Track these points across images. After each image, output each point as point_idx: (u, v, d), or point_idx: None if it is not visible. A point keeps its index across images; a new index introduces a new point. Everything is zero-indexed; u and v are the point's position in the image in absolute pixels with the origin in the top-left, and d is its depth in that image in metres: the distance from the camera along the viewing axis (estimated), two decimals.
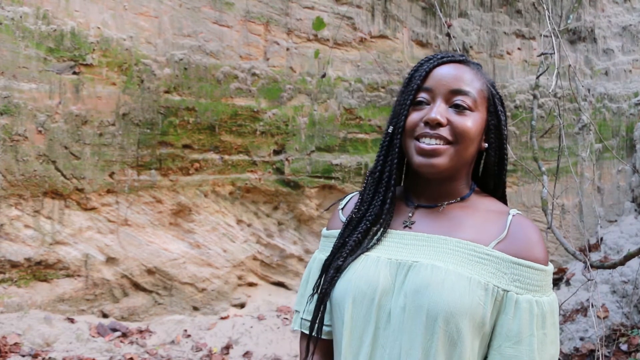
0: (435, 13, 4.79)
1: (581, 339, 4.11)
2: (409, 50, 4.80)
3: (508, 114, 5.00)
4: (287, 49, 4.38)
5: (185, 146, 4.09)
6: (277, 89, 4.33)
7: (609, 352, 3.76)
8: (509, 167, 5.00)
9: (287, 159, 4.39)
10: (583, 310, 4.26)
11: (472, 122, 1.12)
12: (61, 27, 3.71)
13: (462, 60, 1.18)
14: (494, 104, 1.18)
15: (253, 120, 4.25)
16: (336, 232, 1.21)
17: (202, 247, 4.27)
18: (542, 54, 3.45)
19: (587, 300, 4.11)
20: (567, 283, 4.76)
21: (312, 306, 1.18)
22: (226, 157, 4.23)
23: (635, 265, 4.14)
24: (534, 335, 1.05)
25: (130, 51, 3.88)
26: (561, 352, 4.08)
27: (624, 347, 3.86)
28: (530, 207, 5.17)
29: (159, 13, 3.99)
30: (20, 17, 3.61)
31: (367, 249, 1.13)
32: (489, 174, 1.22)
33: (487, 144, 1.18)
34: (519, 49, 5.22)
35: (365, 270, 1.10)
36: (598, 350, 3.21)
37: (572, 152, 5.07)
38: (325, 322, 1.16)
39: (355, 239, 1.14)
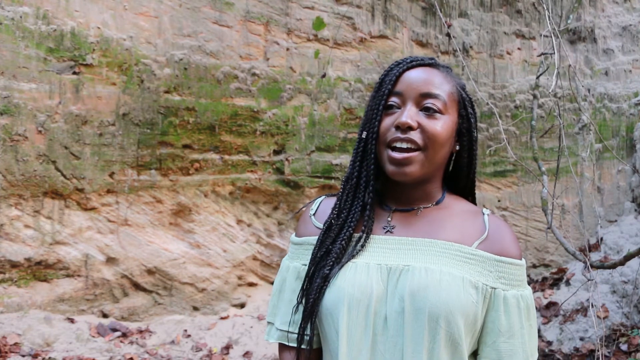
0: (435, 13, 4.79)
1: (581, 339, 4.11)
2: (409, 50, 4.80)
3: (508, 114, 5.01)
4: (287, 49, 4.38)
5: (185, 146, 4.09)
6: (277, 89, 4.33)
7: (609, 352, 3.76)
8: (509, 167, 5.03)
9: (287, 159, 4.39)
10: (583, 310, 4.26)
11: (442, 125, 1.13)
12: (61, 27, 3.71)
13: (432, 63, 1.19)
14: (464, 107, 1.19)
15: (253, 120, 4.25)
16: (309, 239, 1.20)
17: (202, 247, 4.27)
18: (542, 54, 3.45)
19: (587, 300, 4.11)
20: (567, 283, 4.76)
21: (297, 317, 1.16)
22: (226, 157, 4.23)
23: (635, 265, 4.14)
24: (524, 327, 1.10)
25: (130, 51, 3.89)
26: (561, 352, 4.08)
27: (624, 347, 3.86)
28: (530, 207, 5.17)
29: (159, 13, 3.99)
30: (20, 17, 3.61)
31: (353, 256, 1.13)
32: (460, 175, 1.24)
33: (459, 147, 1.20)
34: (519, 49, 5.22)
35: (357, 278, 1.09)
36: (598, 350, 3.21)
37: (572, 152, 5.07)
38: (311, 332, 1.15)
39: (339, 247, 1.13)
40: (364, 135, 1.17)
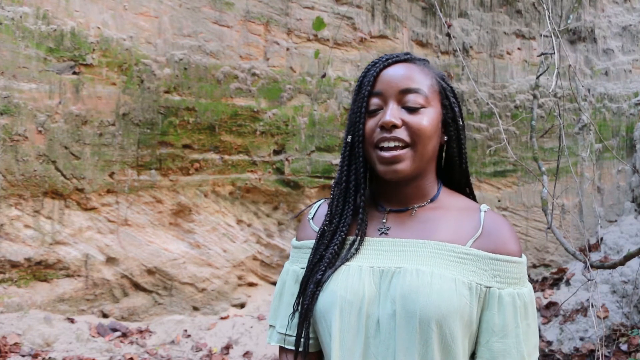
0: (435, 13, 4.79)
1: (581, 339, 4.11)
2: (409, 50, 4.80)
3: (508, 114, 5.01)
4: (287, 49, 4.38)
5: (185, 146, 4.09)
6: (277, 89, 4.33)
7: (609, 352, 3.76)
8: (509, 167, 5.03)
9: (287, 159, 4.39)
10: (583, 310, 4.26)
11: (427, 119, 1.13)
12: (61, 27, 3.71)
13: (408, 58, 1.18)
14: (446, 97, 1.19)
15: (253, 120, 4.25)
16: (308, 243, 1.21)
17: (202, 247, 4.27)
18: (542, 54, 3.45)
19: (587, 300, 4.11)
20: (567, 283, 4.76)
21: (294, 321, 1.17)
22: (226, 157, 4.23)
23: (635, 265, 4.14)
24: (519, 327, 1.07)
25: (130, 51, 3.89)
26: (561, 352, 4.08)
27: (624, 347, 3.86)
28: (530, 207, 5.17)
29: (159, 13, 3.99)
30: (20, 17, 3.61)
31: (347, 259, 1.13)
32: (452, 165, 1.24)
33: (446, 137, 1.19)
34: (519, 49, 5.22)
35: (349, 280, 1.10)
36: (598, 350, 3.21)
37: (572, 152, 5.07)
38: (310, 334, 1.16)
39: (332, 252, 1.14)
40: (349, 139, 1.17)
